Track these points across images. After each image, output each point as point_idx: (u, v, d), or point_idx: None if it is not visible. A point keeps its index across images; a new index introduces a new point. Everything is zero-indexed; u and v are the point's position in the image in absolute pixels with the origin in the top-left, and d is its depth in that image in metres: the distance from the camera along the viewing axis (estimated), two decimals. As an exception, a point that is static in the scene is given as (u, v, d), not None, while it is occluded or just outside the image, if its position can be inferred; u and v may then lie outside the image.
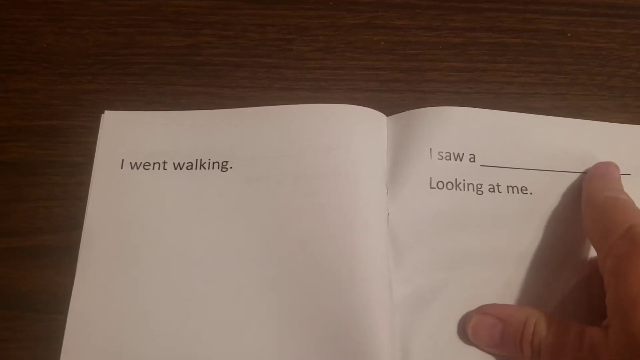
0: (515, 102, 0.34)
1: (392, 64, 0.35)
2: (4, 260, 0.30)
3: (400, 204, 0.30)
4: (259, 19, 0.36)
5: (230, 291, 0.28)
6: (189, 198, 0.30)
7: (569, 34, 0.36)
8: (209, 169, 0.31)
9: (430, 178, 0.30)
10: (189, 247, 0.29)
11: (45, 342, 0.28)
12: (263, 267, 0.29)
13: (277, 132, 0.31)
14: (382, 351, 0.27)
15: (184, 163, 0.31)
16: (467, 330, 0.27)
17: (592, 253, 0.29)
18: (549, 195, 0.30)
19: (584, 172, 0.31)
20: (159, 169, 0.31)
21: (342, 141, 0.31)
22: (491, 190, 0.30)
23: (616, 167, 0.30)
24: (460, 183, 0.30)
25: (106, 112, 0.33)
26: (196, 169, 0.31)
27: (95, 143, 0.32)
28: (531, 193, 0.30)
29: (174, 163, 0.31)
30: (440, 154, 0.31)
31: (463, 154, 0.31)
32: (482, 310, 0.28)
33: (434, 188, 0.30)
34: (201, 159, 0.31)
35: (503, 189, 0.31)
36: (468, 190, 0.30)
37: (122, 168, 0.31)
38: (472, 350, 0.27)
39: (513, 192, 0.30)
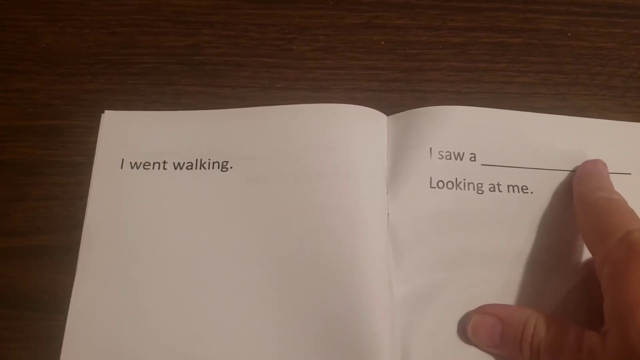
0: (515, 102, 0.34)
1: (393, 64, 0.35)
2: (4, 260, 0.30)
3: (401, 204, 0.30)
4: (259, 19, 0.36)
5: (230, 291, 0.28)
6: (189, 198, 0.30)
7: (569, 34, 0.36)
8: (209, 168, 0.31)
9: (431, 177, 0.30)
10: (189, 247, 0.29)
11: (45, 342, 0.28)
12: (263, 267, 0.29)
13: (277, 132, 0.31)
14: (382, 351, 0.26)
15: (184, 163, 0.31)
16: (467, 330, 0.27)
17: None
18: (549, 194, 0.30)
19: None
20: (159, 168, 0.31)
21: (342, 141, 0.31)
22: (492, 189, 0.30)
23: (604, 164, 0.30)
24: (460, 182, 0.30)
25: (106, 111, 0.33)
26: (196, 168, 0.31)
27: (95, 143, 0.32)
28: (532, 192, 0.30)
29: (174, 163, 0.31)
30: (441, 153, 0.31)
31: (463, 153, 0.31)
32: (482, 310, 0.27)
33: (434, 187, 0.30)
34: (201, 159, 0.31)
35: (504, 188, 0.31)
36: (468, 189, 0.30)
37: (122, 168, 0.31)
38: (472, 350, 0.27)
39: (514, 192, 0.30)
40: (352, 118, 0.32)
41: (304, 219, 0.29)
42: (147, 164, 0.31)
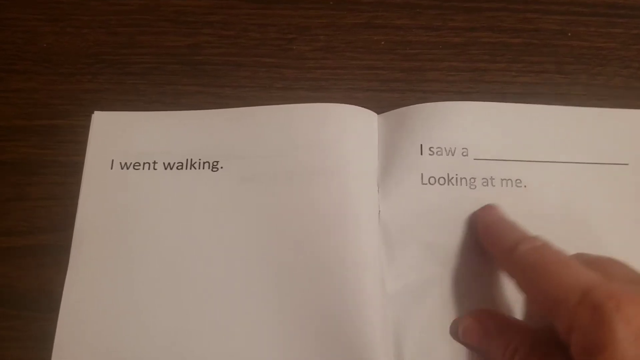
0: (515, 102, 0.34)
1: (393, 64, 0.35)
2: (3, 260, 0.30)
3: (392, 201, 0.30)
4: (260, 19, 0.36)
5: (222, 290, 0.28)
6: (179, 198, 0.30)
7: (569, 34, 0.36)
8: (199, 168, 0.31)
9: (422, 174, 0.30)
10: (180, 247, 0.29)
11: (44, 341, 0.28)
12: (255, 266, 0.29)
13: (267, 131, 0.32)
14: (375, 346, 0.27)
15: (174, 163, 0.31)
16: (458, 332, 0.28)
17: (586, 247, 0.27)
18: (543, 187, 0.30)
19: (579, 162, 0.31)
20: (149, 169, 0.31)
21: (333, 140, 0.31)
22: (485, 184, 0.30)
23: (498, 207, 0.29)
24: (452, 178, 0.30)
25: (96, 112, 0.33)
26: (186, 168, 0.31)
27: (95, 142, 0.32)
28: (525, 186, 0.30)
29: (164, 163, 0.31)
30: (432, 149, 0.31)
31: (455, 148, 0.31)
32: (474, 316, 0.27)
33: (426, 184, 0.30)
34: (191, 159, 0.31)
35: (497, 182, 0.30)
36: (461, 185, 0.30)
37: (112, 168, 0.31)
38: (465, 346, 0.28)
39: (507, 186, 0.30)
40: (342, 117, 0.32)
41: (294, 217, 0.29)
42: (137, 164, 0.31)
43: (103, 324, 0.28)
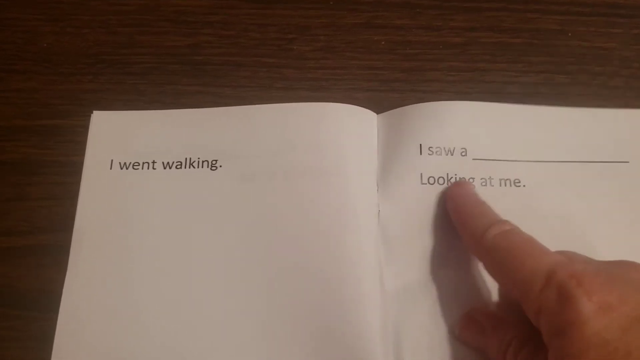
0: (516, 102, 0.34)
1: (393, 64, 0.35)
2: (3, 260, 0.30)
3: (391, 201, 0.30)
4: (260, 19, 0.36)
5: (222, 289, 0.28)
6: (178, 197, 0.30)
7: (569, 34, 0.36)
8: (198, 168, 0.31)
9: (421, 174, 0.30)
10: (179, 247, 0.29)
11: (44, 341, 0.28)
12: (254, 265, 0.29)
13: (266, 130, 0.32)
14: (375, 345, 0.27)
15: (173, 162, 0.31)
16: (455, 329, 0.28)
17: (586, 246, 0.28)
18: (542, 187, 0.30)
19: (578, 161, 0.31)
20: (148, 168, 0.31)
21: (332, 139, 0.31)
22: (483, 184, 0.30)
23: (469, 184, 0.30)
24: (452, 178, 0.30)
25: (95, 112, 0.33)
26: (185, 168, 0.31)
27: (95, 142, 0.32)
28: (524, 186, 0.30)
29: (163, 162, 0.31)
30: (431, 149, 0.31)
31: (454, 148, 0.31)
32: (471, 315, 0.28)
33: (425, 184, 0.30)
34: (190, 158, 0.31)
35: (495, 182, 0.30)
36: None
37: (111, 168, 0.31)
38: (464, 345, 0.27)
39: (506, 185, 0.30)
40: (341, 116, 0.32)
41: (294, 216, 0.29)
42: (137, 164, 0.31)
43: (103, 324, 0.28)
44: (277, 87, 0.34)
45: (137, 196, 0.30)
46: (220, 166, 0.31)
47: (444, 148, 0.31)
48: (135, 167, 0.31)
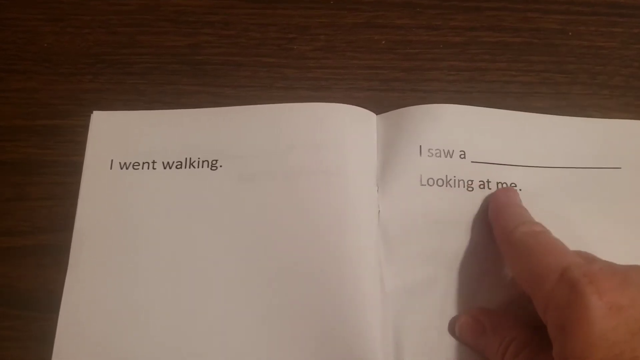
0: (516, 102, 0.34)
1: (393, 63, 0.35)
2: (3, 260, 0.30)
3: (391, 201, 0.30)
4: (260, 18, 0.36)
5: (222, 289, 0.28)
6: (178, 197, 0.30)
7: (569, 33, 0.36)
8: (198, 167, 0.31)
9: (421, 175, 0.31)
10: (179, 246, 0.29)
11: (44, 341, 0.28)
12: (254, 265, 0.29)
13: (266, 130, 0.32)
14: (375, 345, 0.27)
15: (173, 162, 0.31)
16: (455, 328, 0.28)
17: (581, 249, 0.27)
18: (538, 191, 0.31)
19: (573, 167, 0.31)
20: (148, 168, 0.31)
21: (331, 139, 0.31)
22: (481, 187, 0.31)
23: (514, 191, 0.30)
24: (450, 180, 0.31)
25: (95, 112, 0.33)
26: (185, 168, 0.31)
27: (95, 142, 0.32)
28: (520, 190, 0.31)
29: (163, 162, 0.31)
30: (430, 151, 0.31)
31: (453, 150, 0.31)
32: (471, 314, 0.28)
33: (425, 185, 0.30)
34: (190, 158, 0.31)
35: (493, 185, 0.31)
36: (458, 186, 0.31)
37: (111, 168, 0.31)
38: (464, 345, 0.28)
39: None
40: (341, 117, 0.32)
41: (294, 216, 0.29)
42: (137, 164, 0.31)
43: (103, 323, 0.28)
44: (277, 86, 0.34)
45: (137, 196, 0.30)
46: (221, 166, 0.31)
47: (444, 150, 0.31)
48: (135, 167, 0.31)
